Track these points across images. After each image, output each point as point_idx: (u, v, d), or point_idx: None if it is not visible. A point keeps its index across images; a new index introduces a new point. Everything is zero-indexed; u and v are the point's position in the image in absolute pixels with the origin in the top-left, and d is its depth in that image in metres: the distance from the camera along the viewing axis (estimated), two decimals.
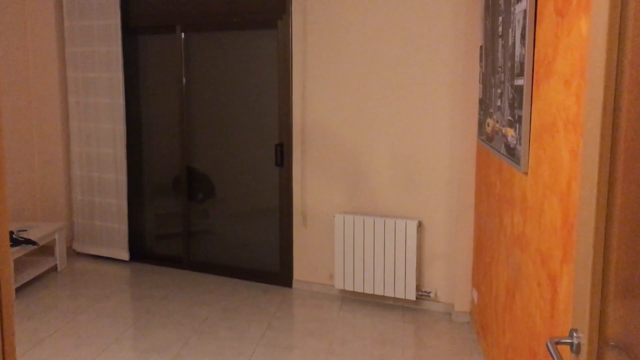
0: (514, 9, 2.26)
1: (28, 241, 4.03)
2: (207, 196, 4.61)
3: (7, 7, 4.64)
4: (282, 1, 4.05)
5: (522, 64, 2.12)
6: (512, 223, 2.40)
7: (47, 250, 4.88)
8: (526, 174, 2.14)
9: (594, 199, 1.03)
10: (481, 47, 3.24)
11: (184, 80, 4.52)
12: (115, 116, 4.63)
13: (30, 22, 4.82)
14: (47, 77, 4.84)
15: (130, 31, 4.69)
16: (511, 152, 2.30)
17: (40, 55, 4.83)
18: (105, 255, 4.85)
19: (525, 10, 2.07)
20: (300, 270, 4.21)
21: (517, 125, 2.19)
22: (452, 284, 3.77)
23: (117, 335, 3.40)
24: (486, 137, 2.97)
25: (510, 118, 2.33)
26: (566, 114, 1.66)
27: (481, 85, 3.22)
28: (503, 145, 2.47)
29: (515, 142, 2.23)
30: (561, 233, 1.68)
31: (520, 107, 2.14)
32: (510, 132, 2.33)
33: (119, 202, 4.71)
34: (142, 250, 4.89)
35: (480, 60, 3.26)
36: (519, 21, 2.18)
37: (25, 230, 4.29)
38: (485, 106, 3.03)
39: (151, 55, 4.68)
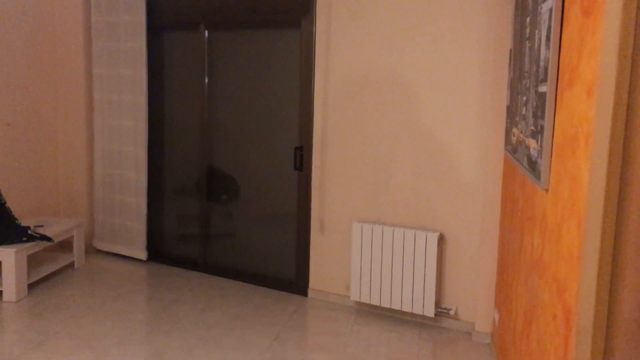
0: (541, 8, 2.05)
1: (43, 237, 3.99)
2: (231, 198, 4.50)
3: (36, 3, 4.64)
4: (307, 0, 3.90)
5: (546, 68, 1.90)
6: (532, 244, 2.19)
7: (66, 246, 4.87)
8: (547, 190, 1.93)
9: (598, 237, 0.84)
10: (510, 50, 3.02)
11: (206, 79, 4.43)
12: (138, 114, 4.57)
13: (59, 17, 4.82)
14: (73, 72, 4.83)
15: (155, 28, 4.63)
16: (533, 166, 2.09)
17: (67, 51, 4.83)
18: (123, 253, 4.80)
19: (551, 9, 1.86)
20: (316, 279, 4.05)
21: (539, 136, 1.98)
22: (473, 302, 3.54)
23: (121, 339, 3.31)
24: (511, 147, 2.75)
25: (533, 128, 2.11)
26: (587, 126, 1.45)
27: (509, 92, 2.99)
28: (525, 158, 2.25)
29: (536, 155, 2.02)
30: (578, 262, 1.47)
31: (543, 116, 1.92)
32: (532, 144, 2.12)
33: (138, 201, 4.65)
34: (160, 250, 4.82)
35: (509, 65, 3.04)
36: (544, 21, 1.96)
37: (42, 226, 4.26)
38: (511, 114, 2.81)
39: (175, 53, 4.60)
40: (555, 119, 1.85)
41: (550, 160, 1.88)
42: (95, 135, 4.82)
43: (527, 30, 2.34)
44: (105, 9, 4.62)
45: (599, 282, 0.85)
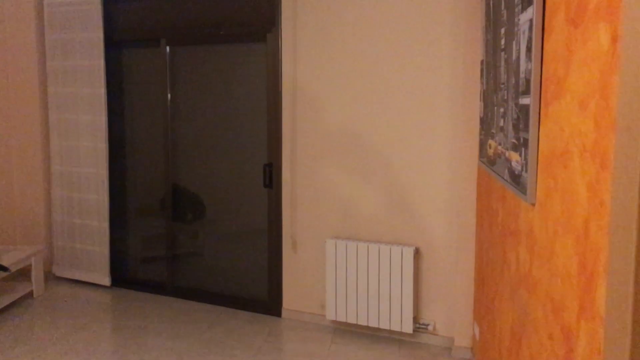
0: (519, 20, 2.01)
1: None
2: (197, 217, 4.35)
3: None
4: (272, 13, 3.82)
5: (527, 80, 1.86)
6: (517, 259, 2.14)
7: (24, 274, 4.62)
8: (533, 205, 1.88)
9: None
10: (482, 61, 2.99)
11: (169, 95, 4.29)
12: (97, 134, 4.39)
13: (10, 35, 4.60)
14: (27, 92, 4.62)
15: (114, 45, 4.47)
16: (516, 180, 2.04)
17: (20, 70, 4.61)
18: (85, 280, 4.58)
19: (531, 20, 1.83)
20: (289, 298, 3.94)
21: (523, 149, 1.93)
22: (452, 317, 3.49)
23: None
24: (488, 159, 2.71)
25: (514, 141, 2.07)
26: (582, 140, 1.40)
27: (482, 103, 2.96)
28: (507, 171, 2.21)
29: (520, 169, 1.97)
30: (577, 281, 1.42)
31: (527, 129, 1.88)
32: (514, 157, 2.07)
33: (100, 224, 4.46)
34: (125, 275, 4.62)
35: (482, 77, 3.01)
36: (524, 32, 1.93)
37: None
38: (486, 126, 2.78)
39: (135, 69, 4.45)
40: (540, 132, 1.81)
41: (537, 174, 1.83)
42: (52, 157, 4.60)
43: (503, 42, 2.31)
44: (60, 25, 4.44)
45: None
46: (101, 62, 4.31)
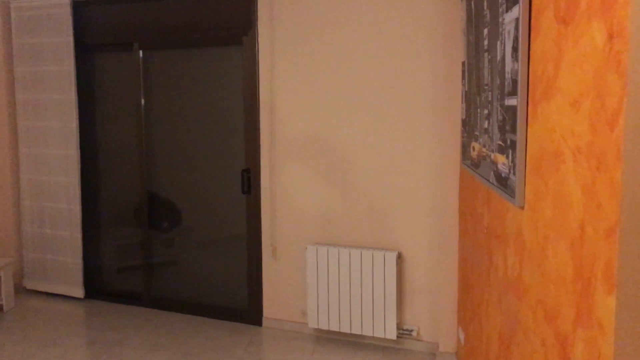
0: (503, 19, 1.98)
1: None
2: (173, 225, 4.24)
3: None
4: (248, 16, 3.75)
5: (514, 81, 1.83)
6: (504, 263, 2.10)
7: None
8: (522, 208, 1.84)
9: None
10: (463, 63, 2.96)
11: (142, 101, 4.18)
12: (68, 141, 4.25)
13: None
14: None
15: (85, 49, 4.34)
16: (503, 182, 2.00)
17: None
18: (58, 292, 4.43)
19: (517, 20, 1.79)
20: (270, 307, 3.86)
21: (510, 151, 1.89)
22: (436, 322, 3.45)
23: None
24: (471, 162, 2.67)
25: (500, 143, 2.03)
26: (575, 141, 1.36)
27: (464, 105, 2.93)
28: (492, 174, 2.17)
29: (507, 171, 1.93)
30: (573, 287, 1.38)
31: (514, 130, 1.84)
32: (500, 159, 2.03)
33: (72, 234, 4.32)
34: (99, 286, 4.48)
35: (463, 78, 2.98)
36: (509, 32, 1.89)
37: None
38: (469, 128, 2.74)
39: (107, 74, 4.32)
40: (528, 134, 1.77)
41: (525, 177, 1.79)
42: (21, 165, 4.45)
43: (486, 42, 2.27)
44: (28, 29, 4.30)
45: None
46: (71, 67, 4.18)
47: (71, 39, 4.16)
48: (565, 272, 1.43)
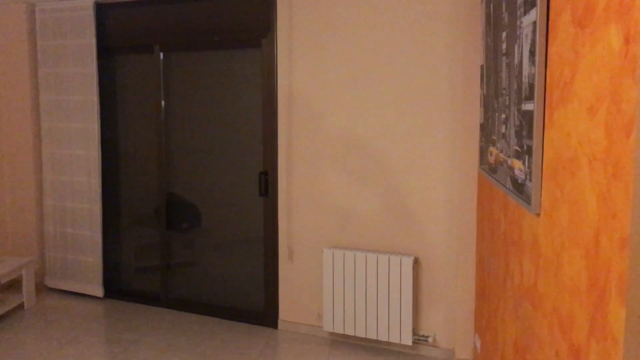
0: (521, 22, 1.94)
1: None
2: (193, 226, 4.26)
3: None
4: (267, 18, 3.75)
5: (531, 85, 1.79)
6: (520, 271, 2.05)
7: (15, 286, 4.52)
8: (538, 215, 1.80)
9: None
10: (482, 66, 2.92)
11: (162, 102, 4.21)
12: (90, 142, 4.31)
13: (2, 41, 4.52)
14: (18, 99, 4.53)
15: (106, 51, 4.39)
16: (519, 188, 1.96)
17: (12, 77, 4.53)
18: (78, 291, 4.49)
19: (535, 23, 1.75)
20: (286, 309, 3.85)
21: (526, 157, 1.85)
22: (452, 328, 3.40)
23: None
24: (489, 167, 2.63)
25: (517, 148, 1.99)
26: (591, 148, 1.32)
27: (482, 109, 2.89)
28: (509, 179, 2.13)
29: (524, 177, 1.89)
30: (587, 297, 1.34)
31: (530, 136, 1.80)
32: (517, 165, 1.99)
33: (92, 234, 4.37)
34: (118, 285, 4.53)
35: (482, 82, 2.94)
36: (527, 36, 1.85)
37: None
38: (487, 132, 2.70)
39: (128, 76, 4.37)
40: (545, 139, 1.73)
41: (541, 183, 1.75)
42: (44, 165, 4.52)
43: (504, 46, 2.24)
44: (51, 32, 4.36)
45: None
46: (94, 69, 4.23)
47: (94, 41, 4.21)
48: (579, 282, 1.40)
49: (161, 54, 4.17)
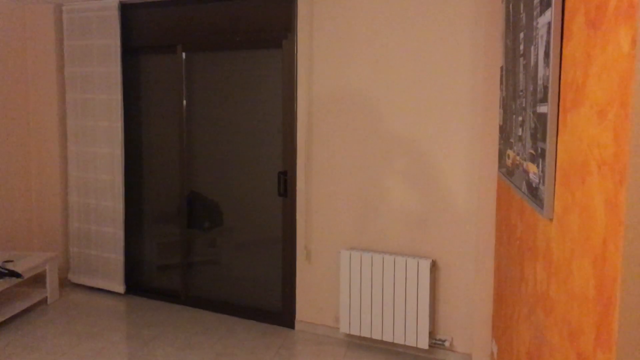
0: (537, 23, 1.90)
1: (12, 273, 3.76)
2: (214, 225, 4.30)
3: (8, 26, 4.45)
4: (288, 19, 3.75)
5: (545, 87, 1.75)
6: (534, 277, 2.01)
7: (40, 281, 4.62)
8: (551, 220, 1.76)
9: None
10: (502, 67, 2.87)
11: (184, 102, 4.25)
12: (114, 140, 4.37)
13: (30, 42, 4.63)
14: (46, 98, 4.63)
15: (130, 51, 4.45)
16: (533, 192, 1.92)
17: (39, 76, 4.63)
18: (100, 287, 4.56)
19: (549, 23, 1.71)
20: (303, 310, 3.85)
21: (540, 160, 1.82)
22: (469, 333, 3.36)
23: None
24: (506, 170, 2.59)
25: (532, 151, 1.95)
26: (600, 152, 1.29)
27: (502, 111, 2.84)
28: (524, 183, 2.09)
29: (537, 181, 1.86)
30: (594, 306, 1.30)
31: (544, 139, 1.76)
32: (532, 168, 1.95)
33: (115, 230, 4.43)
34: (139, 282, 4.59)
35: (501, 83, 2.89)
36: (542, 37, 1.81)
37: (12, 261, 4.03)
38: (505, 135, 2.65)
39: (151, 75, 4.42)
40: (558, 143, 1.69)
41: (554, 188, 1.71)
42: (69, 163, 4.60)
43: (521, 47, 2.19)
44: (78, 32, 4.45)
45: None
46: (118, 69, 4.30)
47: (118, 41, 4.27)
48: (587, 290, 1.36)
49: (183, 54, 4.22)
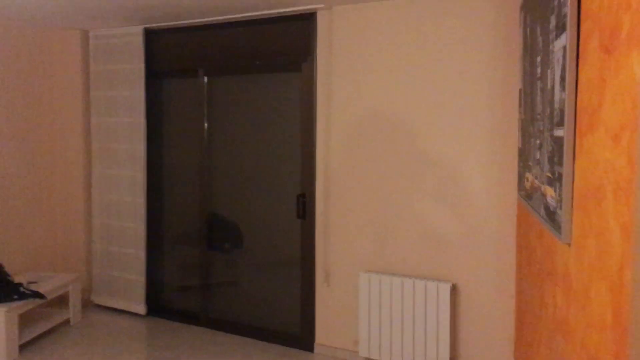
0: (553, 47, 1.90)
1: (36, 294, 3.81)
2: (235, 246, 4.32)
3: (36, 51, 4.59)
4: (307, 44, 3.80)
5: (561, 111, 1.74)
6: (554, 302, 1.98)
7: (63, 301, 4.67)
8: (569, 245, 1.74)
9: None
10: (520, 90, 2.87)
11: (206, 125, 4.31)
12: (136, 162, 4.44)
13: (57, 66, 4.75)
14: (71, 121, 4.74)
15: (153, 75, 4.54)
16: (551, 216, 1.90)
17: (65, 100, 4.75)
18: (122, 308, 4.60)
19: (565, 47, 1.71)
20: (322, 333, 3.83)
21: (557, 184, 1.80)
22: (491, 358, 3.30)
23: None
24: (525, 193, 2.57)
25: (549, 175, 1.94)
26: (615, 177, 1.28)
27: (520, 134, 2.83)
28: (542, 207, 2.07)
29: (555, 205, 1.84)
30: (611, 333, 1.28)
31: (561, 162, 1.75)
32: (549, 192, 1.94)
33: (137, 252, 4.48)
34: (160, 303, 4.62)
35: (520, 106, 2.88)
36: (558, 60, 1.81)
37: (36, 282, 4.09)
38: (524, 158, 2.64)
39: (173, 99, 4.51)
40: (575, 166, 1.67)
41: (572, 212, 1.69)
42: (93, 185, 4.69)
43: (538, 70, 2.19)
44: (103, 57, 4.56)
45: None
46: (142, 93, 4.38)
47: (142, 65, 4.36)
48: (605, 317, 1.34)
49: (205, 78, 4.29)
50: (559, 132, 1.79)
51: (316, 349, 3.85)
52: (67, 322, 4.35)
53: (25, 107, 4.51)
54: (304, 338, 3.92)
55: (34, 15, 4.07)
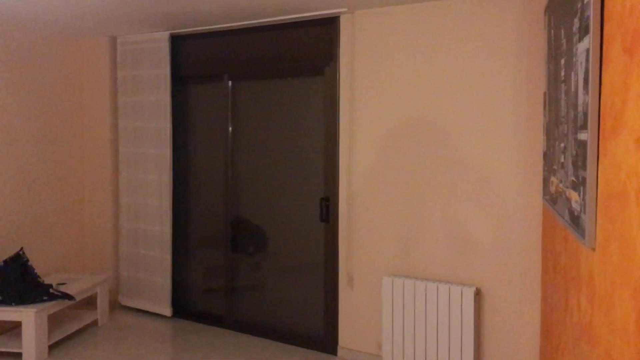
0: (577, 49, 1.88)
1: (65, 295, 3.89)
2: (259, 249, 4.35)
3: (66, 58, 4.70)
4: (330, 48, 3.82)
5: (585, 114, 1.72)
6: (578, 308, 1.96)
7: (91, 303, 4.76)
8: (593, 250, 1.72)
9: None
10: (545, 93, 2.84)
11: (230, 129, 4.36)
12: (162, 166, 4.51)
13: (86, 71, 4.86)
14: (99, 126, 4.84)
15: (179, 80, 4.61)
16: (575, 221, 1.88)
17: (94, 105, 4.85)
18: (148, 309, 4.67)
19: (588, 50, 1.69)
20: (346, 336, 3.83)
21: (581, 188, 1.78)
22: None
23: None
24: (550, 197, 2.54)
25: (573, 179, 1.91)
26: (638, 182, 1.26)
27: (545, 137, 2.80)
28: (567, 211, 2.04)
29: (579, 209, 1.81)
30: (635, 339, 1.26)
31: (585, 166, 1.73)
32: (574, 196, 1.91)
33: (162, 255, 4.55)
34: (185, 305, 4.67)
35: (544, 109, 2.85)
36: (581, 63, 1.79)
37: (65, 284, 4.18)
38: (549, 161, 2.61)
39: (199, 104, 4.57)
40: (599, 171, 1.65)
41: (596, 217, 1.67)
42: (120, 188, 4.77)
43: (562, 73, 2.17)
44: (130, 63, 4.64)
45: None
46: (168, 97, 4.45)
47: (168, 71, 4.43)
48: (628, 323, 1.32)
49: (229, 83, 4.34)
50: (582, 136, 1.77)
51: (339, 352, 3.86)
52: (95, 323, 4.44)
53: (55, 113, 4.62)
54: (327, 341, 3.92)
55: (68, 23, 4.17)
